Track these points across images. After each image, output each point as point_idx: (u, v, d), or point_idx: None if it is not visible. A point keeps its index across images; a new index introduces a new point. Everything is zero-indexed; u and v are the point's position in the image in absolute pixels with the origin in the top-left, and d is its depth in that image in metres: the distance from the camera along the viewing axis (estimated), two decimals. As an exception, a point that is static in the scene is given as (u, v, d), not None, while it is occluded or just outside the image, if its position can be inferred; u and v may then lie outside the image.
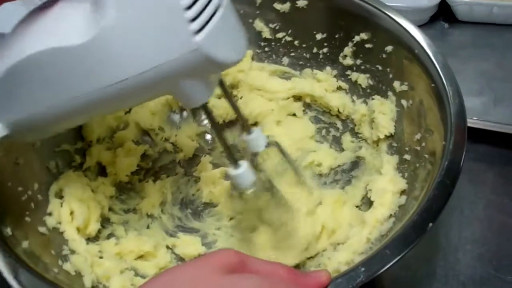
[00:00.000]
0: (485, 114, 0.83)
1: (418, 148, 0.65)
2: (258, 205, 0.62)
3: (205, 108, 0.53)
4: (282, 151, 0.69)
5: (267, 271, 0.46)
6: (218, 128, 0.57)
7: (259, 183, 0.59)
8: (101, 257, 0.65)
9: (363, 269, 0.47)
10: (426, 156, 0.62)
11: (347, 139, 0.79)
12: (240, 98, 0.84)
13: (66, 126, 0.60)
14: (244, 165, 0.57)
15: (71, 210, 0.66)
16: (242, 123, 0.65)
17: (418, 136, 0.66)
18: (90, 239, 0.67)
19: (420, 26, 0.94)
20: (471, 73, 0.91)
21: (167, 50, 0.45)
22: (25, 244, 0.57)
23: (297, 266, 0.65)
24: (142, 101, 0.61)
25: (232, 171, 0.57)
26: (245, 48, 0.51)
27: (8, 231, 0.56)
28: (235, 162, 0.57)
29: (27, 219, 0.61)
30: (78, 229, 0.66)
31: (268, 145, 0.65)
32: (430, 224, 0.50)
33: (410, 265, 0.67)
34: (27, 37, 0.49)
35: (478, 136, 0.79)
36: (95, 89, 0.48)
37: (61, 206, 0.66)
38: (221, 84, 0.59)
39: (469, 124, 0.76)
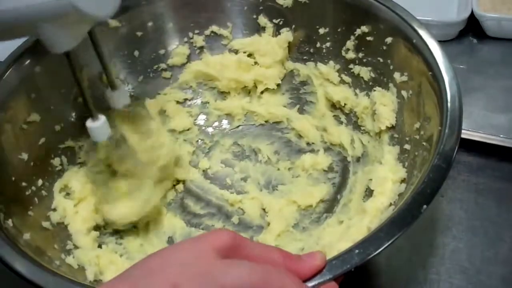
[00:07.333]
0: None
1: (417, 136, 0.65)
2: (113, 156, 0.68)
3: (68, 55, 0.54)
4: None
5: (261, 255, 0.45)
6: (79, 77, 0.58)
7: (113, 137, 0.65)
8: (104, 251, 0.66)
9: (357, 251, 0.47)
10: (424, 143, 0.62)
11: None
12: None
13: None
14: (103, 118, 0.60)
15: (76, 205, 0.67)
16: (109, 79, 0.65)
17: (417, 125, 0.65)
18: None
19: (449, 41, 0.96)
20: (498, 90, 0.87)
21: None
22: (26, 236, 0.58)
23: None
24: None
25: (90, 123, 0.59)
26: (113, 7, 0.53)
27: (10, 223, 0.57)
28: (94, 115, 0.59)
29: (30, 213, 0.63)
30: (83, 224, 0.67)
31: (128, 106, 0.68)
32: (424, 207, 0.50)
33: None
34: None
35: (504, 154, 0.77)
36: None
37: (66, 201, 0.67)
38: (91, 35, 0.59)
39: (495, 142, 0.77)
